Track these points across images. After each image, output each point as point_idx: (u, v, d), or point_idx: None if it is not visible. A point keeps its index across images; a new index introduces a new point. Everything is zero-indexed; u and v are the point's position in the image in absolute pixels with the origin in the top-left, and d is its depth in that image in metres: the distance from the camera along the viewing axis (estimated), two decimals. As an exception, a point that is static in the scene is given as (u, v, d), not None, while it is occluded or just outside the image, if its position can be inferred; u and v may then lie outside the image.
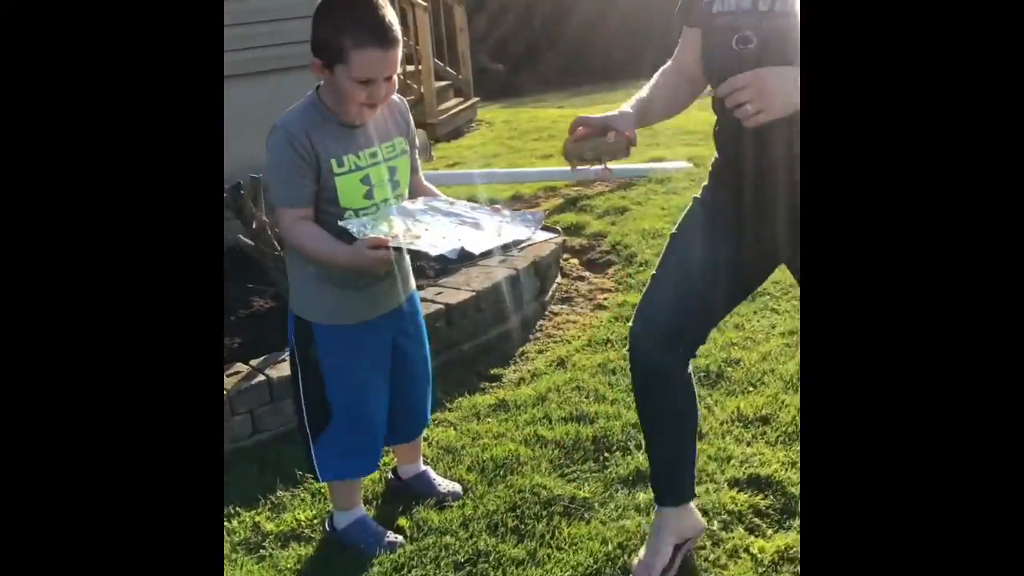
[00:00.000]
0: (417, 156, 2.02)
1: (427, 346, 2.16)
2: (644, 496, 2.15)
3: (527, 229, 1.82)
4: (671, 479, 1.90)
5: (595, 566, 1.93)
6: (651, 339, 1.77)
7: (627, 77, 8.99)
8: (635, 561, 1.90)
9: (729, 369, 2.82)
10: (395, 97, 1.89)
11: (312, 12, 1.73)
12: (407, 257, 1.96)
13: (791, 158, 1.47)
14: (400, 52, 1.72)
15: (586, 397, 2.75)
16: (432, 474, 2.30)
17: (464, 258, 1.73)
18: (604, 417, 2.58)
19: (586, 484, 2.27)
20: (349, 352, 1.95)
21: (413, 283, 2.09)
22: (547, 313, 3.47)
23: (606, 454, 2.41)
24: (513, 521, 2.12)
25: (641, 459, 2.31)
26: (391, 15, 1.70)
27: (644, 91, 1.82)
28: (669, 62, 1.85)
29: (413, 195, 1.97)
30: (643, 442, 2.06)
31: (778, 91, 1.41)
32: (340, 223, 1.77)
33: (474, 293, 3.11)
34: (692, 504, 1.93)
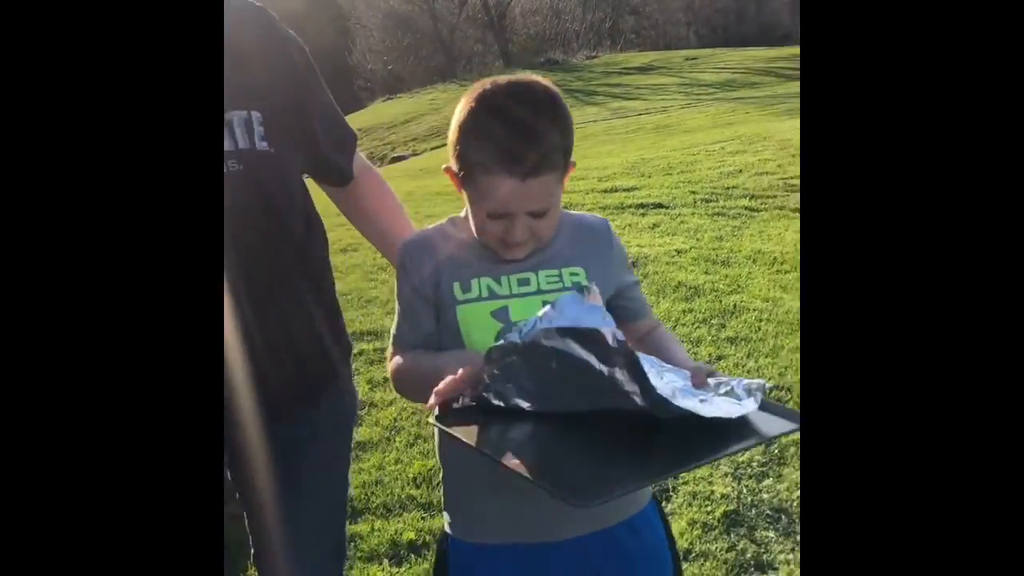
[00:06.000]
0: (636, 303, 1.34)
1: None
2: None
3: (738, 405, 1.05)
4: None
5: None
6: None
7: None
8: None
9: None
10: (592, 218, 1.35)
11: None
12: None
13: None
14: (557, 179, 1.18)
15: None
16: None
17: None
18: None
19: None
20: None
21: (644, 497, 1.29)
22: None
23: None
24: None
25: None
26: (548, 132, 1.16)
27: None
28: None
29: None
30: None
31: None
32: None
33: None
34: None
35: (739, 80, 18.28)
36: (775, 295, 4.01)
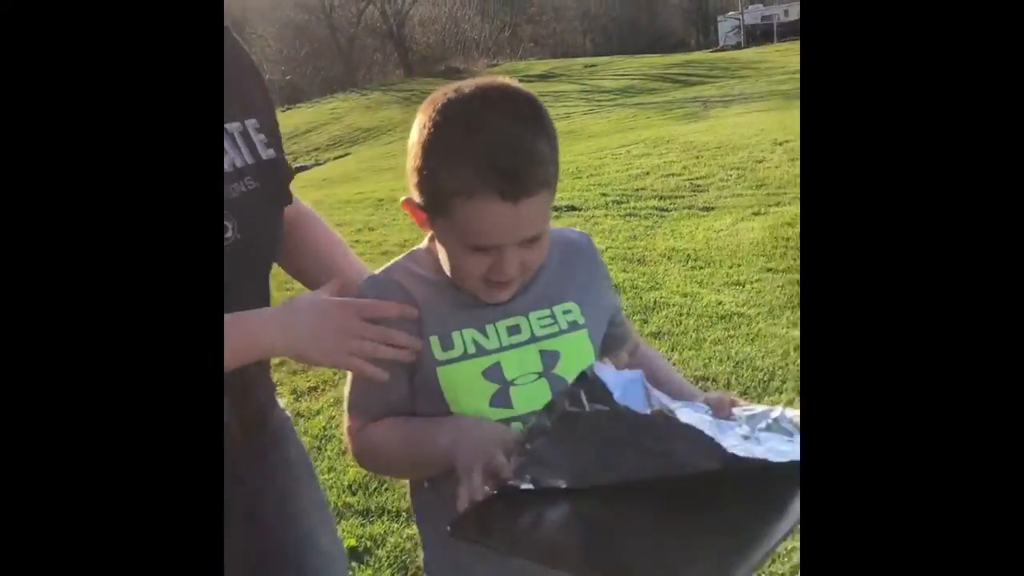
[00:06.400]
0: (624, 327, 1.17)
1: None
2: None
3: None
4: None
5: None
6: None
7: None
8: None
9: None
10: (573, 234, 1.16)
11: None
12: None
13: None
14: (550, 197, 1.00)
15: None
16: None
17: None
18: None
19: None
20: None
21: None
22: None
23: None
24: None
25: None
26: (538, 142, 0.97)
27: None
28: None
29: None
30: None
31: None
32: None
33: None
34: None
35: (638, 86, 18.74)
36: (692, 290, 4.12)
